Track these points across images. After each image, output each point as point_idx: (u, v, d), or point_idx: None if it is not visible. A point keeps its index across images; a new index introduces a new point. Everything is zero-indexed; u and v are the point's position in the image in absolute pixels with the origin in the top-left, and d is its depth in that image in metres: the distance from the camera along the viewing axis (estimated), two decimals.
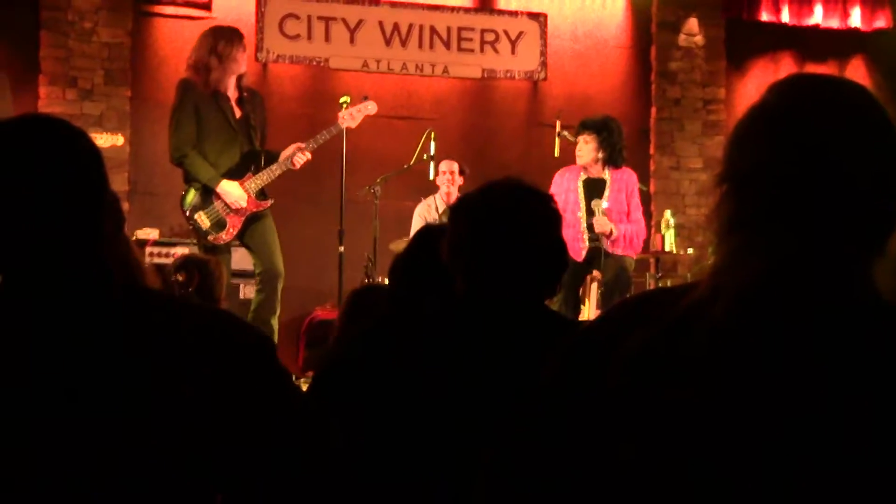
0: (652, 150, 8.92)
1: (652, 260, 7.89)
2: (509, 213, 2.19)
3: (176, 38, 7.98)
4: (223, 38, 5.97)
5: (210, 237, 5.97)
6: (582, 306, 6.53)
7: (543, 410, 1.39)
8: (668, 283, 7.71)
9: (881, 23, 9.12)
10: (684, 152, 8.93)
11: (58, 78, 7.77)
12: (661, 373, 1.26)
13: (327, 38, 8.36)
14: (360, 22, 8.41)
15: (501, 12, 8.71)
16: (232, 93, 6.02)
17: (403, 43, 8.48)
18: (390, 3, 8.48)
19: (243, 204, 5.95)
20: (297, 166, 6.11)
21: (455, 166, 7.37)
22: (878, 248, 1.27)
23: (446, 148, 7.49)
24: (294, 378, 3.46)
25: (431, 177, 7.25)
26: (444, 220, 6.59)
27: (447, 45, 8.57)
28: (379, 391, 2.11)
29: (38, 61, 7.74)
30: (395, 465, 2.06)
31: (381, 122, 7.49)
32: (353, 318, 3.45)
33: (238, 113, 6.03)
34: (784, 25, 8.97)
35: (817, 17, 8.98)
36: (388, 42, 8.46)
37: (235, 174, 5.98)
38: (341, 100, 6.46)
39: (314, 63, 8.34)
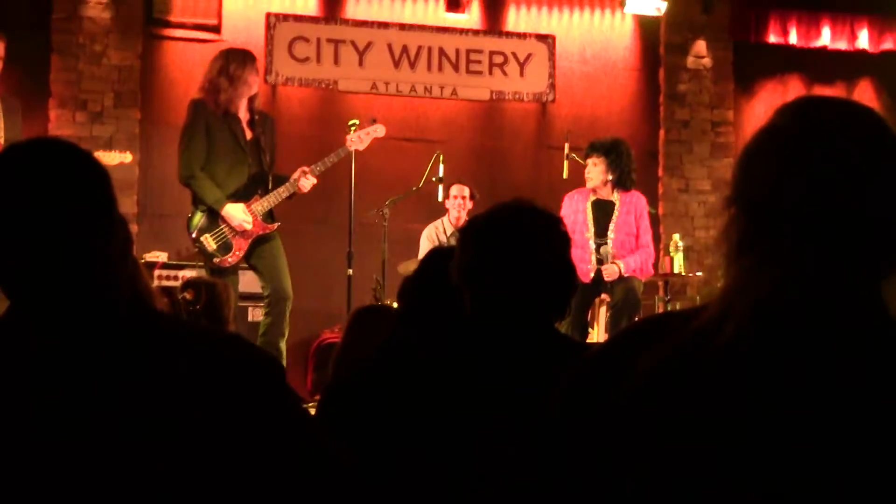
0: (660, 173, 8.92)
1: (661, 282, 7.87)
2: (518, 236, 2.19)
3: (185, 61, 8.02)
4: (235, 61, 6.00)
5: (216, 259, 5.96)
6: (590, 329, 6.50)
7: (552, 434, 1.38)
8: (678, 306, 7.70)
9: (889, 44, 9.13)
10: (693, 174, 8.93)
11: (68, 101, 7.81)
12: (671, 395, 1.25)
13: (336, 61, 8.40)
14: (368, 44, 8.44)
15: (510, 34, 8.74)
16: (243, 114, 6.03)
17: (412, 65, 8.51)
18: (399, 26, 8.51)
19: (248, 227, 5.95)
20: (304, 190, 6.10)
21: (466, 191, 7.38)
22: (888, 268, 1.27)
23: (455, 170, 7.50)
24: (303, 402, 3.42)
25: (440, 199, 7.26)
26: (452, 242, 6.61)
27: (456, 67, 8.59)
28: (388, 414, 2.11)
29: (49, 84, 7.78)
30: (404, 488, 2.06)
31: (390, 144, 7.50)
32: (356, 337, 3.43)
33: (249, 134, 6.05)
34: (792, 47, 8.99)
35: (825, 38, 9.00)
36: (396, 64, 8.49)
37: (243, 196, 5.99)
38: (350, 122, 6.48)
39: (323, 85, 8.37)
